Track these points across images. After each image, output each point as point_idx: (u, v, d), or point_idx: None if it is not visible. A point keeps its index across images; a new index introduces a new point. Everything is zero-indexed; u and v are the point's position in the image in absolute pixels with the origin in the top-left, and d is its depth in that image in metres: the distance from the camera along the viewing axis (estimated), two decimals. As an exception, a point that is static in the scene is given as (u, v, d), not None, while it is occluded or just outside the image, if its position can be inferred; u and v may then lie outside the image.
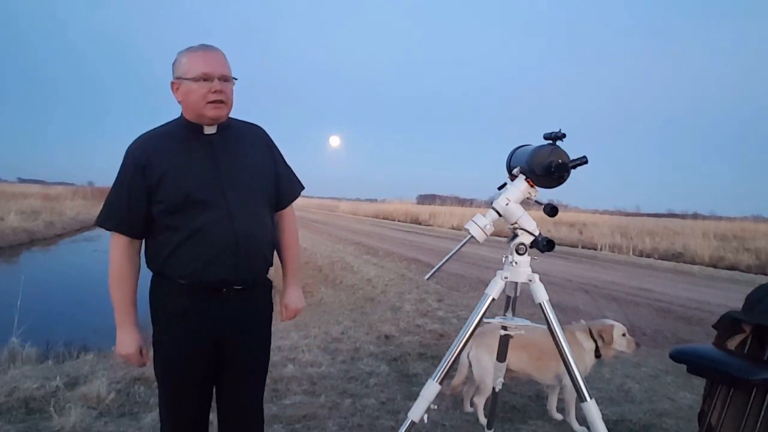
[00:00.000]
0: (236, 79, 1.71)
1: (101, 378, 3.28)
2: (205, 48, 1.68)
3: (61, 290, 9.28)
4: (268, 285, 1.87)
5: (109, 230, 1.70)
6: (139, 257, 1.74)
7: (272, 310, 1.89)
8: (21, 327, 4.33)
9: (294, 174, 1.95)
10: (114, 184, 1.70)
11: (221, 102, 1.66)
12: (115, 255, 1.70)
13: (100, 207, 1.74)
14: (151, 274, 1.76)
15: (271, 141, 1.88)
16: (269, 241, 1.81)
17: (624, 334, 3.09)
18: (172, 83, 1.69)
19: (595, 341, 3.05)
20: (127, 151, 1.71)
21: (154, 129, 1.76)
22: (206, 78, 1.63)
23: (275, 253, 1.89)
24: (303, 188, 1.97)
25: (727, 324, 2.15)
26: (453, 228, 27.07)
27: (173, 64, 1.70)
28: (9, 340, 4.24)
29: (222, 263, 1.66)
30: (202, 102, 1.64)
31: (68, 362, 3.93)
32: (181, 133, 1.72)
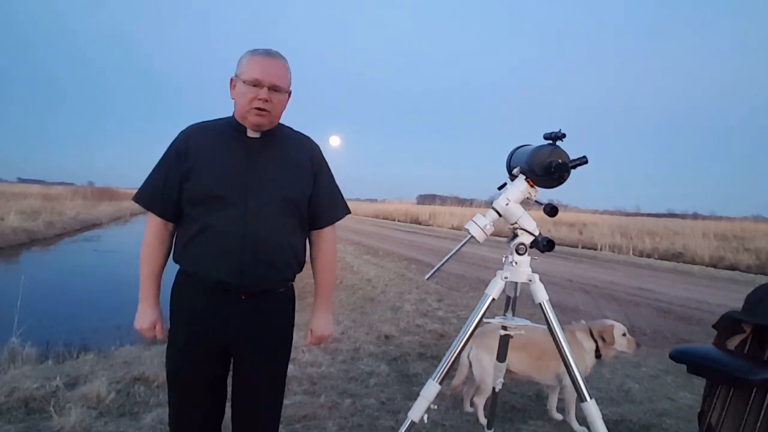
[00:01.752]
0: (290, 92, 1.72)
1: (101, 378, 3.28)
2: (266, 54, 1.68)
3: (61, 290, 9.26)
4: (288, 295, 1.82)
5: (143, 207, 1.76)
6: (171, 240, 1.78)
7: (291, 322, 1.85)
8: (21, 327, 4.32)
9: (341, 197, 1.89)
10: (156, 164, 1.75)
11: (265, 111, 1.66)
12: (147, 233, 1.75)
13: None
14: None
15: (321, 157, 1.84)
16: (287, 251, 1.73)
17: (624, 334, 3.09)
18: (231, 80, 1.71)
19: (596, 341, 3.06)
20: (177, 135, 1.75)
21: (208, 121, 1.79)
22: (256, 84, 1.64)
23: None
24: (348, 212, 1.91)
25: (727, 324, 2.15)
26: (453, 228, 27.08)
27: (238, 60, 1.71)
28: (9, 340, 4.23)
29: (226, 263, 1.64)
30: (246, 106, 1.66)
31: (68, 362, 3.92)
32: (226, 131, 1.73)
